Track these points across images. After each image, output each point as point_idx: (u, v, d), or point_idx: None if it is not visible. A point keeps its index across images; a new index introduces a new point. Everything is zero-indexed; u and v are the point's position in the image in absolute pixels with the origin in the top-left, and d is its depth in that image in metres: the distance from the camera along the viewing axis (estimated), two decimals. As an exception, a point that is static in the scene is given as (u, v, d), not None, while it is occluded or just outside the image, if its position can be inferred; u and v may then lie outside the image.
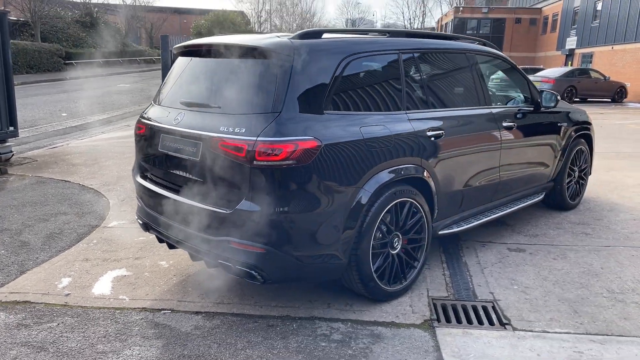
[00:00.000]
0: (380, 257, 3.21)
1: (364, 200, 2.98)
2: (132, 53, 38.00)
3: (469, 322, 3.11)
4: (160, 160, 3.30)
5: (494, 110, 4.11)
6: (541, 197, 4.89)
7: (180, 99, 3.27)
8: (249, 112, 2.81)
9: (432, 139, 3.44)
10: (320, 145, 2.77)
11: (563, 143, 4.97)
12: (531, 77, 21.61)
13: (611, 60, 28.40)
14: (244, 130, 2.73)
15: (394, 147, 3.16)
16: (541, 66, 30.46)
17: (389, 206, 3.15)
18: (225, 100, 2.98)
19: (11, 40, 25.28)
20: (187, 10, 57.20)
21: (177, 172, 3.13)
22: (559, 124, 4.87)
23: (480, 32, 42.90)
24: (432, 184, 3.46)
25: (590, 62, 30.64)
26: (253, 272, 2.78)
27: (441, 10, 61.64)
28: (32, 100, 16.02)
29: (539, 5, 41.78)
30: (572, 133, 5.10)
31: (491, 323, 3.09)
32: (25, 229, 4.62)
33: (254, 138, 2.68)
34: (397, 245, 3.30)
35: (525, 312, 3.21)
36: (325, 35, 3.15)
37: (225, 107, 2.95)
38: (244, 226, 2.73)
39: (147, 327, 2.97)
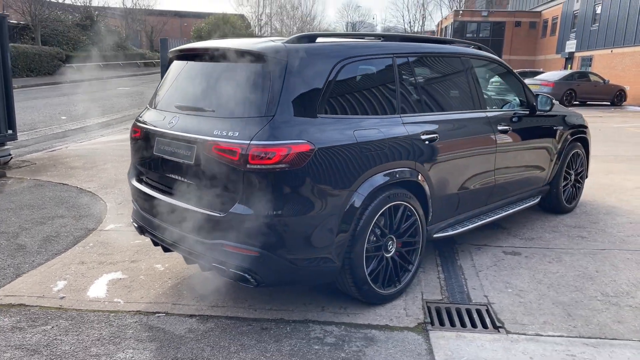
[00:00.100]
0: (374, 261, 3.21)
1: (357, 204, 2.99)
2: (132, 56, 38.09)
3: (463, 325, 3.12)
4: (155, 163, 3.31)
5: (489, 114, 4.13)
6: (537, 200, 4.90)
7: (175, 103, 3.29)
8: (243, 116, 2.82)
9: (427, 142, 3.45)
10: (314, 149, 2.79)
11: (559, 146, 4.98)
12: (530, 81, 21.70)
13: (610, 64, 28.45)
14: (237, 133, 2.74)
15: (388, 150, 3.17)
16: (541, 69, 30.53)
17: (383, 209, 3.16)
18: (219, 104, 3.00)
19: (12, 44, 25.28)
20: (188, 13, 57.34)
21: (172, 176, 3.14)
22: (554, 128, 4.89)
23: (480, 35, 43.00)
24: (426, 187, 3.46)
25: (590, 66, 30.70)
26: (246, 275, 2.79)
27: (441, 13, 61.79)
28: (31, 104, 16.06)
29: (538, 9, 41.87)
30: (568, 136, 5.11)
31: (485, 326, 3.10)
32: (22, 232, 4.63)
33: (247, 142, 2.69)
34: (391, 248, 3.31)
35: (519, 315, 3.22)
36: (319, 40, 3.17)
37: (219, 111, 2.97)
38: (238, 229, 2.74)
39: (141, 330, 2.98)
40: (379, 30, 73.03)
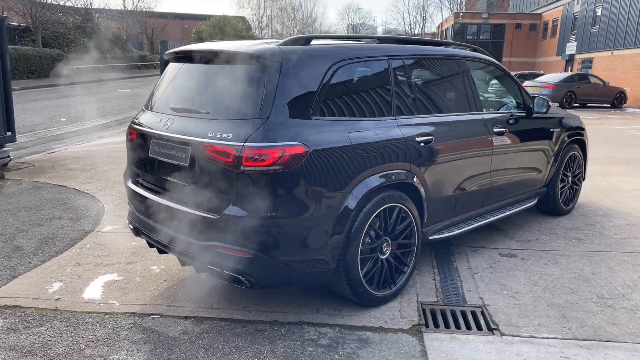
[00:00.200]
0: (369, 262, 3.22)
1: (352, 206, 2.99)
2: (133, 58, 38.14)
3: (458, 327, 3.12)
4: (150, 165, 3.32)
5: (485, 116, 4.13)
6: (534, 202, 4.90)
7: (170, 105, 3.29)
8: (237, 118, 2.83)
9: (422, 144, 3.46)
10: (308, 151, 2.79)
11: (556, 148, 4.98)
12: (530, 83, 21.71)
13: (611, 66, 28.46)
14: (231, 135, 2.75)
15: (382, 152, 3.17)
16: (541, 71, 30.53)
17: (378, 211, 3.16)
18: (213, 106, 3.01)
19: (12, 46, 25.34)
20: (189, 15, 57.47)
21: (167, 177, 3.15)
22: (551, 130, 4.89)
23: (481, 37, 43.05)
24: (421, 189, 3.47)
25: (590, 68, 30.70)
26: (240, 277, 2.79)
27: (442, 15, 61.87)
28: (31, 105, 16.08)
29: (539, 11, 41.90)
30: (565, 138, 5.11)
31: (479, 328, 3.10)
32: (19, 234, 4.64)
33: (241, 143, 2.70)
34: (386, 250, 3.31)
35: (514, 317, 3.22)
36: (314, 42, 3.18)
37: (213, 113, 2.97)
38: (232, 231, 2.75)
39: (136, 331, 2.98)
40: (379, 32, 73.12)
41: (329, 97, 3.05)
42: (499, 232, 4.82)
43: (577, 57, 32.84)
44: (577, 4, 33.30)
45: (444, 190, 3.72)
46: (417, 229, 3.47)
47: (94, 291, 3.51)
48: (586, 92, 22.13)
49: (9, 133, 7.67)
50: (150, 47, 48.09)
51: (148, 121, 3.40)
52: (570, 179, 5.33)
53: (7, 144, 7.71)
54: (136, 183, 3.51)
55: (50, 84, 23.85)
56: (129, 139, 3.55)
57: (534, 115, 4.67)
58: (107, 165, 7.77)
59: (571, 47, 33.59)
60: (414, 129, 3.45)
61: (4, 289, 3.52)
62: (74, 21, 34.46)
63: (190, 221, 2.90)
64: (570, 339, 2.98)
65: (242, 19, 51.32)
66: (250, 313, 3.22)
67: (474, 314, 3.26)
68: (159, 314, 3.19)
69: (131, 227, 3.59)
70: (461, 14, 44.59)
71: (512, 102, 4.78)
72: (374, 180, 3.11)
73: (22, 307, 3.27)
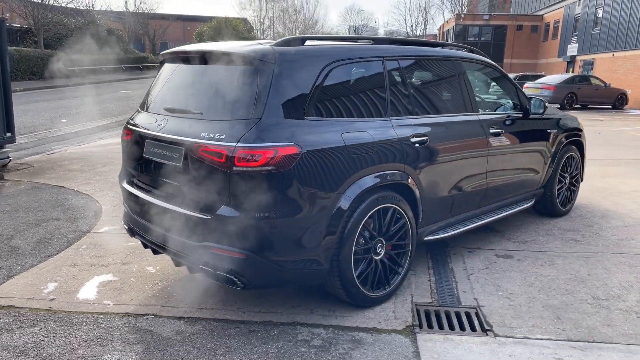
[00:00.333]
0: (363, 263, 3.21)
1: (345, 206, 2.99)
2: (135, 60, 38.22)
3: (451, 328, 3.11)
4: (144, 166, 3.32)
5: (481, 117, 4.13)
6: (531, 203, 4.89)
7: (164, 105, 3.30)
8: (230, 118, 2.83)
9: (416, 145, 3.45)
10: (301, 152, 2.79)
11: (553, 149, 4.97)
12: (531, 84, 21.68)
13: (612, 67, 28.42)
14: (224, 136, 2.75)
15: (376, 153, 3.17)
16: (542, 73, 30.51)
17: (372, 212, 3.16)
18: (207, 107, 3.01)
19: (14, 47, 25.37)
20: (190, 17, 57.56)
21: (161, 178, 3.15)
22: (548, 131, 4.88)
23: (482, 39, 43.04)
24: (416, 190, 3.46)
25: (592, 69, 30.65)
26: (233, 277, 2.79)
27: (443, 17, 61.86)
28: (33, 107, 16.12)
29: (540, 12, 41.87)
30: (563, 139, 5.10)
31: (473, 329, 3.09)
32: (16, 234, 4.65)
33: (234, 144, 2.70)
34: (380, 251, 3.31)
35: (508, 318, 3.21)
36: (308, 43, 3.18)
37: (207, 113, 2.98)
38: (224, 231, 2.75)
39: (129, 332, 2.99)
40: (381, 34, 73.15)
41: (323, 97, 3.05)
42: (496, 233, 4.82)
43: (579, 58, 32.80)
44: (579, 5, 33.27)
45: (439, 191, 3.72)
46: (411, 229, 3.46)
47: (88, 291, 3.51)
48: (587, 94, 22.10)
49: (8, 134, 7.69)
50: (152, 48, 48.18)
51: (143, 122, 3.40)
52: (567, 180, 5.32)
53: (6, 145, 7.74)
54: (131, 183, 3.51)
55: (51, 85, 23.90)
56: (124, 139, 3.56)
57: (531, 116, 4.66)
58: (106, 166, 7.79)
59: (572, 49, 33.55)
60: (409, 129, 3.45)
61: (-1, 289, 3.53)
62: (75, 23, 34.54)
63: (184, 221, 2.91)
64: (564, 340, 2.97)
65: (244, 20, 51.41)
66: (244, 314, 3.22)
67: (468, 315, 3.26)
68: (152, 315, 3.19)
69: (126, 227, 3.59)
70: (462, 15, 44.59)
71: (509, 103, 4.77)
72: (368, 181, 3.11)
73: (17, 307, 3.27)
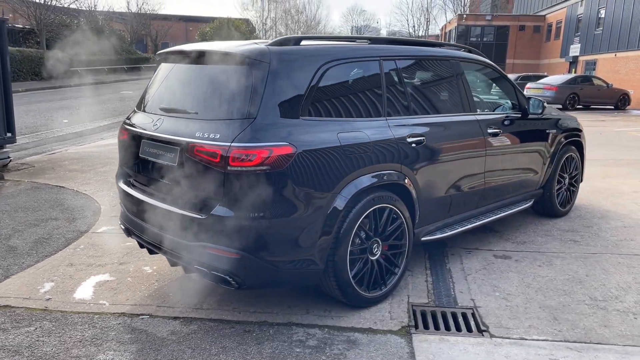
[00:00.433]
0: (359, 263, 3.20)
1: (340, 206, 2.98)
2: (137, 60, 38.28)
3: (448, 328, 3.10)
4: (140, 165, 3.32)
5: (479, 117, 4.11)
6: (530, 204, 4.87)
7: (160, 105, 3.30)
8: (225, 118, 2.83)
9: (413, 145, 3.44)
10: (296, 152, 2.78)
11: (552, 150, 4.95)
12: (533, 84, 21.63)
13: (614, 68, 28.34)
14: (218, 135, 2.75)
15: (372, 153, 3.16)
16: (545, 73, 30.44)
17: (367, 212, 3.15)
18: (202, 106, 3.01)
19: (17, 48, 25.37)
20: (193, 18, 57.61)
21: (156, 178, 3.15)
22: (547, 131, 4.86)
23: (484, 39, 42.99)
24: (412, 190, 3.45)
25: (594, 70, 30.58)
26: (227, 277, 2.79)
27: (445, 17, 61.79)
28: (34, 107, 16.16)
29: (542, 13, 41.79)
30: (562, 140, 5.08)
31: (469, 330, 3.08)
32: (14, 234, 4.65)
33: (228, 144, 2.69)
34: (376, 251, 3.30)
35: (505, 319, 3.20)
36: (304, 42, 3.17)
37: (202, 113, 2.98)
38: (219, 231, 2.75)
39: (124, 332, 2.98)
40: (383, 34, 73.12)
41: (319, 97, 3.04)
42: (495, 233, 4.80)
43: (581, 59, 32.73)
44: (581, 5, 33.20)
45: (436, 191, 3.71)
46: (408, 230, 3.45)
47: (85, 291, 3.51)
48: (589, 94, 22.04)
49: (9, 134, 7.71)
50: (154, 49, 48.22)
51: (139, 121, 3.40)
52: (567, 181, 5.30)
53: (7, 145, 7.76)
54: (127, 183, 3.51)
55: (53, 86, 23.95)
56: (121, 139, 3.56)
57: (530, 116, 4.64)
58: (106, 166, 7.80)
59: (575, 49, 33.49)
60: (406, 129, 3.44)
61: (-4, 289, 3.53)
62: (78, 24, 34.61)
63: (179, 221, 2.90)
64: (561, 341, 2.95)
65: (247, 21, 51.44)
66: (239, 314, 3.21)
67: (464, 315, 3.25)
68: (148, 315, 3.19)
69: (123, 227, 3.59)
70: (465, 15, 44.53)
71: (507, 103, 4.76)
72: (364, 181, 3.10)
73: (13, 307, 3.27)
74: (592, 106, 22.44)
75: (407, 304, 3.37)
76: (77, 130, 12.08)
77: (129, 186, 3.47)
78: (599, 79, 23.66)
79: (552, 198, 5.11)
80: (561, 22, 37.31)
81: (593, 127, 14.39)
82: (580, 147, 5.46)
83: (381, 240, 3.32)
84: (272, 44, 3.01)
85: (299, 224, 2.85)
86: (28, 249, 4.29)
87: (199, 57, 3.14)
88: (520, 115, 4.58)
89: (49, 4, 30.54)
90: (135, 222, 3.34)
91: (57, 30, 31.45)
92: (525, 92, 20.37)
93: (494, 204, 4.42)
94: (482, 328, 3.08)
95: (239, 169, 2.68)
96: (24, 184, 6.63)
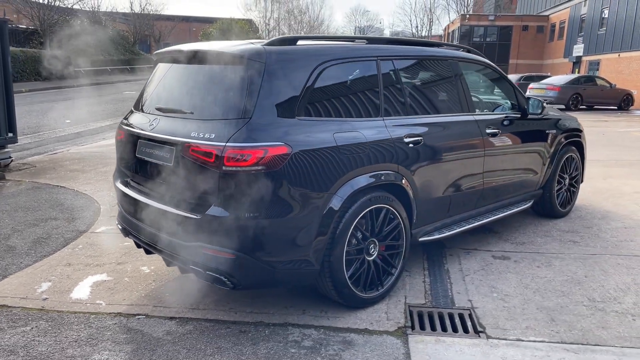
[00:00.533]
0: (355, 264, 3.19)
1: (336, 207, 2.97)
2: (140, 60, 38.35)
3: (444, 329, 3.09)
4: (137, 165, 3.32)
5: (477, 117, 4.10)
6: (529, 204, 4.85)
7: (156, 105, 3.30)
8: (220, 118, 2.82)
9: (410, 145, 3.43)
10: (291, 152, 2.78)
11: (552, 150, 4.93)
12: (536, 85, 21.56)
13: (618, 68, 28.24)
14: (214, 135, 2.74)
15: (368, 153, 3.15)
16: (548, 74, 30.34)
17: (364, 212, 3.14)
18: (198, 106, 3.01)
19: (21, 48, 25.44)
20: (196, 18, 57.71)
21: (153, 178, 3.15)
22: (547, 131, 4.84)
23: (487, 39, 42.90)
24: (409, 190, 3.44)
25: (597, 70, 30.48)
26: (223, 277, 2.78)
27: (449, 17, 61.73)
28: (37, 107, 16.20)
29: (546, 13, 41.67)
30: (562, 140, 5.06)
31: (466, 331, 3.06)
32: (14, 234, 4.66)
33: (223, 143, 2.69)
34: (373, 251, 3.29)
35: (502, 320, 3.18)
36: (300, 42, 3.17)
37: (197, 113, 2.97)
38: (214, 232, 2.74)
39: (120, 332, 2.98)
40: (386, 34, 73.05)
41: (315, 97, 3.03)
42: (494, 234, 4.78)
43: (584, 59, 32.62)
44: (584, 5, 33.10)
45: (433, 191, 3.69)
46: (405, 230, 3.44)
47: (82, 291, 3.51)
48: (593, 94, 21.95)
49: (10, 134, 7.73)
50: (158, 49, 48.25)
51: (136, 121, 3.40)
52: (567, 181, 5.28)
53: (8, 145, 7.78)
54: (124, 183, 3.51)
55: (56, 86, 24.03)
56: (118, 139, 3.57)
57: (529, 116, 4.62)
58: (107, 166, 7.81)
59: (578, 49, 33.38)
60: (403, 129, 3.43)
61: (-6, 289, 3.54)
62: (81, 24, 34.70)
63: (174, 221, 2.90)
64: (558, 342, 2.94)
65: (250, 21, 51.50)
66: (236, 314, 3.21)
67: (461, 316, 3.23)
68: (144, 315, 3.19)
69: (120, 227, 3.59)
70: (468, 16, 44.45)
71: (507, 103, 4.74)
72: (360, 181, 3.09)
73: (9, 306, 3.28)
74: (595, 106, 22.35)
75: (404, 305, 3.36)
76: (79, 131, 12.11)
77: (126, 186, 3.47)
78: (602, 79, 23.57)
79: (552, 199, 5.09)
80: (564, 22, 37.21)
81: (595, 127, 14.34)
82: (580, 148, 5.44)
83: (378, 240, 3.31)
84: (268, 44, 3.00)
85: (294, 224, 2.84)
86: (27, 248, 4.30)
87: (196, 57, 3.14)
88: (519, 116, 4.56)
89: (52, 4, 30.65)
90: (131, 222, 3.34)
91: (60, 31, 31.57)
92: (527, 93, 20.33)
93: (493, 205, 4.40)
94: (479, 329, 3.07)
95: (234, 169, 2.68)
96: (25, 184, 6.64)
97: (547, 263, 4.10)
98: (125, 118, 3.60)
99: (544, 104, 4.71)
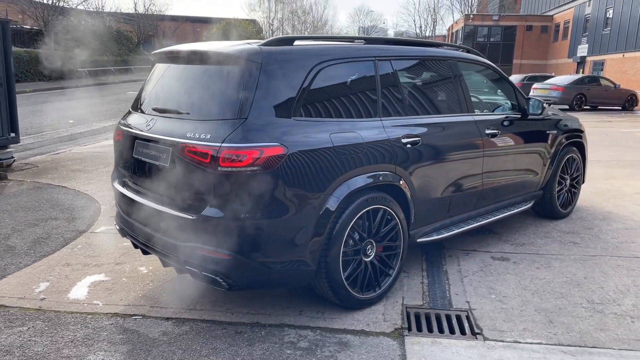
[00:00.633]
0: (352, 265, 3.18)
1: (332, 207, 2.96)
2: (144, 61, 38.44)
3: (441, 331, 3.07)
4: (134, 166, 3.33)
5: (477, 118, 4.08)
6: (529, 205, 4.82)
7: (153, 105, 3.30)
8: (216, 118, 2.82)
9: (408, 146, 3.42)
10: (287, 152, 2.77)
11: (552, 151, 4.90)
12: (540, 85, 21.48)
13: (622, 68, 28.12)
14: (209, 136, 2.74)
15: (366, 154, 3.14)
16: (552, 74, 30.24)
17: (361, 213, 3.13)
18: (194, 107, 3.01)
19: (25, 49, 25.55)
20: (200, 19, 57.78)
21: (149, 178, 3.14)
22: (547, 132, 4.81)
23: (491, 39, 42.81)
24: (407, 191, 3.43)
25: (602, 70, 30.36)
26: (218, 278, 2.78)
27: (453, 18, 61.58)
28: (41, 107, 16.25)
29: (550, 13, 41.54)
30: (563, 140, 5.03)
31: (463, 332, 3.05)
32: (14, 234, 4.68)
33: (219, 144, 2.69)
34: (370, 252, 3.28)
35: (499, 321, 3.16)
36: (297, 42, 3.16)
37: (193, 113, 2.97)
38: (209, 232, 2.74)
39: (116, 332, 2.98)
40: (390, 34, 73.01)
41: (311, 98, 3.03)
42: (494, 235, 4.76)
43: (589, 59, 32.51)
44: (589, 5, 32.98)
45: (432, 192, 3.68)
46: (402, 231, 3.43)
47: (79, 291, 3.52)
48: (597, 95, 21.84)
49: (12, 134, 7.77)
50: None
51: (133, 122, 3.41)
52: (568, 182, 5.25)
53: (11, 145, 7.82)
54: (122, 184, 3.52)
55: (61, 87, 24.12)
56: (116, 139, 3.57)
57: (529, 117, 4.60)
58: (109, 166, 7.82)
59: (582, 49, 33.27)
60: (401, 130, 3.41)
61: (-8, 289, 3.55)
62: (86, 25, 34.81)
63: (170, 222, 2.90)
64: (555, 344, 2.92)
65: (253, 22, 51.54)
66: (232, 315, 3.20)
67: (458, 318, 3.22)
68: (141, 315, 3.19)
69: (118, 227, 3.60)
70: (471, 16, 44.35)
71: (507, 104, 4.72)
72: (356, 182, 3.08)
73: (7, 306, 3.29)
74: (599, 107, 22.24)
75: (401, 306, 3.35)
76: (82, 131, 12.14)
77: (123, 186, 3.47)
78: (606, 79, 23.45)
79: (552, 199, 5.07)
80: (569, 22, 37.08)
81: (599, 128, 14.28)
82: (581, 148, 5.41)
83: (375, 241, 3.29)
84: (265, 44, 3.00)
85: (290, 225, 2.84)
86: (26, 248, 4.31)
87: (192, 57, 3.14)
88: (519, 116, 4.54)
89: (56, 4, 30.78)
90: (129, 222, 3.34)
91: (64, 31, 31.69)
92: (531, 93, 20.23)
93: (493, 206, 4.38)
94: (476, 331, 3.05)
95: (230, 169, 2.67)
96: (27, 183, 6.67)
97: (546, 264, 4.08)
98: (123, 118, 3.60)
99: (544, 104, 4.69)
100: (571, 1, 36.48)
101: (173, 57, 3.35)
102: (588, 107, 21.60)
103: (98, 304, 3.33)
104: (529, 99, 4.65)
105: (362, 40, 3.62)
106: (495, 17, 43.48)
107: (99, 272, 3.85)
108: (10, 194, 6.12)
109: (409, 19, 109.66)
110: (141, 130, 3.20)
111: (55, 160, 8.44)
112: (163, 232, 2.95)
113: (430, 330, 3.08)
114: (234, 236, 2.72)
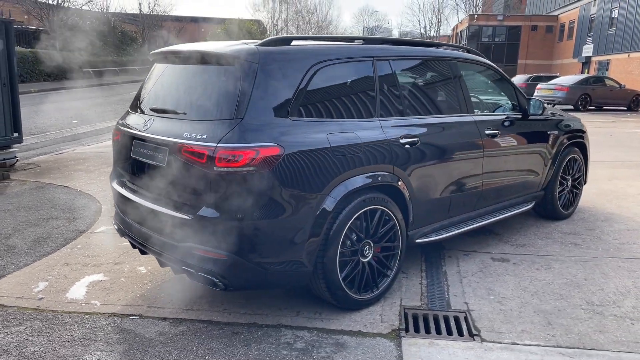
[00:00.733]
0: (350, 265, 3.17)
1: (329, 208, 2.95)
2: (149, 61, 38.58)
3: (439, 332, 3.06)
4: (132, 166, 3.33)
5: (476, 118, 4.06)
6: (530, 206, 4.80)
7: (151, 105, 3.30)
8: (213, 119, 2.82)
9: (407, 146, 3.40)
10: (283, 152, 2.77)
11: (553, 151, 4.87)
12: (544, 85, 21.39)
13: (627, 68, 27.97)
14: (205, 136, 2.74)
15: (363, 154, 3.13)
16: (557, 74, 30.10)
17: (358, 214, 3.12)
18: (191, 107, 3.01)
19: (29, 49, 25.67)
20: (205, 19, 57.90)
21: (146, 178, 3.14)
22: (548, 132, 4.79)
23: (496, 39, 42.69)
24: (405, 191, 3.41)
25: (607, 70, 30.20)
26: (214, 278, 2.77)
27: (457, 18, 61.46)
28: (45, 107, 16.32)
29: (555, 13, 41.38)
30: (564, 141, 5.00)
31: (461, 334, 3.03)
32: (14, 233, 4.69)
33: (215, 144, 2.68)
34: (367, 253, 3.27)
35: (498, 323, 3.15)
36: (294, 42, 3.15)
37: (191, 114, 2.97)
38: (205, 232, 2.73)
39: (113, 332, 2.99)
40: (395, 34, 72.94)
41: (309, 98, 3.02)
42: (494, 235, 4.74)
43: (594, 59, 32.35)
44: (594, 5, 32.82)
45: (430, 193, 3.66)
46: (401, 232, 3.41)
47: (78, 291, 3.52)
48: (602, 95, 21.73)
49: (15, 134, 7.80)
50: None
51: (131, 122, 3.41)
52: (569, 183, 5.22)
53: (14, 145, 7.85)
54: (120, 184, 3.53)
55: (65, 87, 24.22)
56: (114, 140, 3.58)
57: (530, 117, 4.58)
58: (111, 166, 7.81)
59: (588, 49, 33.11)
60: (399, 130, 3.40)
61: (-9, 288, 3.56)
62: (90, 25, 34.96)
63: (167, 222, 2.90)
64: (553, 346, 2.90)
65: (258, 22, 51.62)
66: (229, 315, 3.20)
67: (457, 319, 3.20)
68: (138, 315, 3.19)
69: (116, 227, 3.60)
70: (476, 16, 44.23)
71: (508, 104, 4.69)
72: (354, 182, 3.07)
73: (5, 306, 3.29)
74: (604, 107, 22.13)
75: (399, 307, 3.33)
76: (85, 131, 12.19)
77: (121, 186, 3.48)
78: (612, 79, 23.32)
79: (553, 200, 5.04)
80: (574, 22, 36.92)
81: (604, 128, 14.21)
82: (583, 149, 5.37)
83: (373, 242, 3.28)
84: (262, 44, 2.99)
85: (286, 225, 2.83)
86: (26, 248, 4.33)
87: (190, 58, 3.14)
88: (520, 116, 4.52)
89: (61, 5, 30.92)
90: (127, 222, 3.34)
91: (70, 32, 31.84)
92: (536, 93, 20.13)
93: (492, 206, 4.36)
94: (474, 332, 3.04)
95: (226, 169, 2.67)
96: (29, 183, 6.69)
97: (546, 265, 4.05)
98: (122, 118, 3.61)
99: (545, 105, 4.66)
100: (576, 1, 36.32)
101: (171, 57, 3.35)
102: (593, 107, 21.48)
103: (96, 304, 3.34)
104: (530, 99, 4.63)
105: (361, 41, 3.61)
106: (500, 17, 43.34)
107: (98, 271, 3.86)
108: (13, 194, 6.15)
109: (414, 19, 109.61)
110: (139, 130, 3.20)
111: (58, 160, 8.47)
112: (160, 232, 2.95)
113: (427, 331, 3.06)
114: (230, 236, 2.71)
